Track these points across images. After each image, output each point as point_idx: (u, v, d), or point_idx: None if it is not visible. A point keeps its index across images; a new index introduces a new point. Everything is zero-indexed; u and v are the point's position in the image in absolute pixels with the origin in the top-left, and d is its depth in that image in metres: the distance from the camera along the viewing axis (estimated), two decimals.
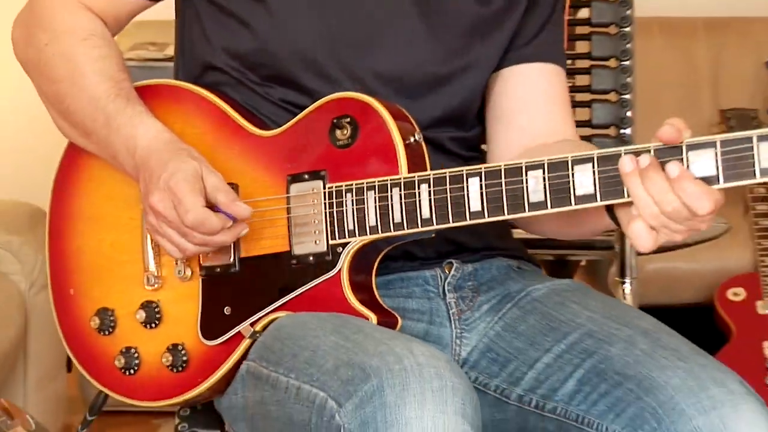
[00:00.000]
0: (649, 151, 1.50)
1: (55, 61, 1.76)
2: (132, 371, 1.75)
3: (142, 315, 1.74)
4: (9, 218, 3.25)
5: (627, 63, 2.54)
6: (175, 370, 1.72)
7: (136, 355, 1.75)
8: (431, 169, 1.64)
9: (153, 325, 1.75)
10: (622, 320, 1.73)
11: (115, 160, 1.73)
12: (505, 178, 1.59)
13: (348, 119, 1.69)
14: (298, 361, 1.58)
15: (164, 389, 1.74)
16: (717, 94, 4.29)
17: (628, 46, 2.50)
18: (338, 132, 1.69)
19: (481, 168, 1.59)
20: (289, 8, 1.73)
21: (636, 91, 2.48)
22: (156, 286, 1.76)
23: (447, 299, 1.79)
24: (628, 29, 2.50)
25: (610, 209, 1.62)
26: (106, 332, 1.77)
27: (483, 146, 1.89)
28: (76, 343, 1.80)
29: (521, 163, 1.57)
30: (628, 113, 2.52)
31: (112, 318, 1.77)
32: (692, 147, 1.50)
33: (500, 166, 1.58)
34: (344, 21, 1.75)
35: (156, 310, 1.75)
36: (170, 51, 3.45)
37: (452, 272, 1.80)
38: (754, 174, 1.48)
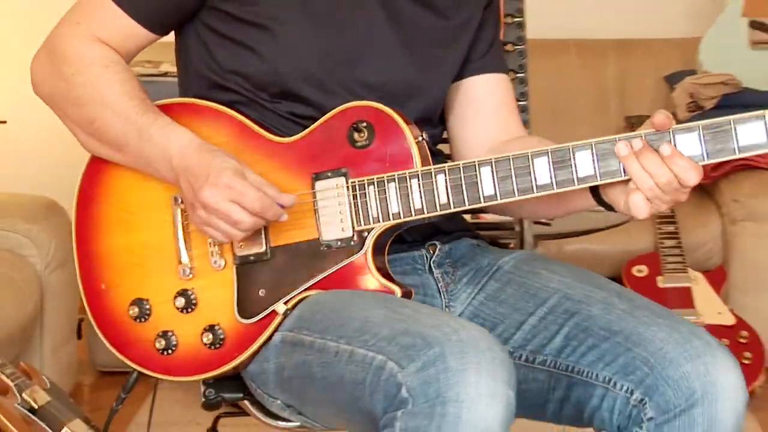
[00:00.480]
0: (641, 136, 1.60)
1: (84, 88, 1.76)
2: (170, 351, 1.76)
3: (180, 302, 1.75)
4: (28, 210, 3.32)
5: (523, 75, 2.64)
6: (213, 348, 1.74)
7: (173, 337, 1.76)
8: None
9: (189, 310, 1.76)
10: (593, 283, 1.77)
11: (150, 168, 1.75)
12: (513, 165, 1.65)
13: (365, 124, 1.72)
14: (347, 330, 1.59)
15: (202, 365, 1.75)
16: (623, 103, 4.39)
17: (524, 61, 2.59)
18: (356, 135, 1.73)
19: (491, 158, 1.65)
20: (291, 33, 1.76)
21: (532, 99, 2.56)
22: (190, 276, 1.76)
23: (434, 275, 1.84)
24: (522, 47, 2.58)
25: (595, 192, 1.70)
26: (143, 319, 1.77)
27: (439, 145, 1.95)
28: (112, 332, 1.80)
29: (527, 153, 1.64)
30: (526, 117, 2.63)
31: (147, 307, 1.77)
32: (678, 131, 1.60)
33: (508, 156, 1.64)
34: (336, 41, 1.79)
35: (192, 296, 1.76)
36: (164, 68, 3.49)
37: (436, 252, 1.85)
38: (734, 151, 1.58)
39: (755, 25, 4.25)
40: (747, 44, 4.25)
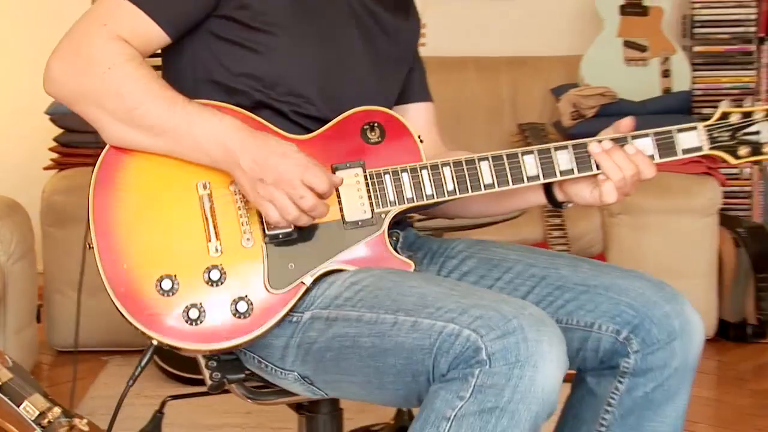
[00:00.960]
0: (607, 139, 1.78)
1: (125, 81, 1.70)
2: (199, 322, 1.70)
3: (210, 276, 1.72)
4: None
5: None
6: (242, 317, 1.71)
7: (202, 308, 1.71)
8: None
9: (219, 283, 1.72)
10: (548, 254, 1.86)
11: (196, 151, 1.71)
12: (507, 160, 1.77)
13: (376, 124, 1.79)
14: (404, 304, 1.63)
15: (230, 333, 1.72)
16: (515, 112, 4.43)
17: None
18: (369, 133, 1.79)
19: (488, 155, 1.77)
20: (294, 38, 1.79)
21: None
22: (219, 253, 1.73)
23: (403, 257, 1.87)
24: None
25: (546, 189, 1.86)
26: (171, 294, 1.70)
27: None
28: (137, 308, 1.71)
29: (517, 151, 1.78)
30: None
31: (177, 282, 1.70)
32: (636, 137, 1.78)
33: (502, 153, 1.78)
34: (327, 55, 1.84)
35: (222, 271, 1.72)
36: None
37: (399, 239, 1.91)
38: (676, 153, 1.78)
39: (629, 44, 4.35)
40: (622, 61, 4.33)
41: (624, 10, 4.39)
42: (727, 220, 4.16)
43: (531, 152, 1.77)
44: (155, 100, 1.70)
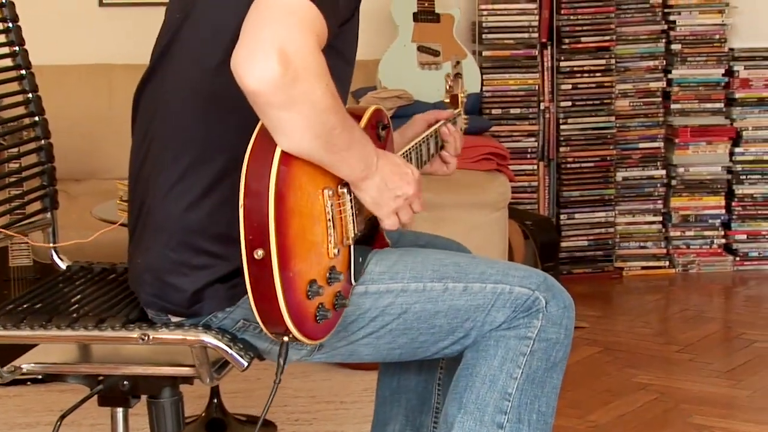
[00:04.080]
0: (443, 124, 2.20)
1: (334, 99, 1.69)
2: (322, 320, 1.76)
3: (330, 277, 1.77)
4: None
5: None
6: (338, 309, 1.81)
7: (326, 308, 1.77)
8: None
9: (333, 283, 1.79)
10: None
11: (360, 168, 1.78)
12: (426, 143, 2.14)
13: (384, 123, 1.96)
14: (447, 272, 1.89)
15: (330, 325, 1.80)
16: None
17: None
18: (382, 132, 1.95)
19: (422, 138, 2.12)
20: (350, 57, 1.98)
21: None
22: (337, 256, 1.80)
23: None
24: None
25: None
26: (312, 297, 1.74)
27: None
28: (297, 314, 1.71)
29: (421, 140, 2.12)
30: None
31: (319, 285, 1.74)
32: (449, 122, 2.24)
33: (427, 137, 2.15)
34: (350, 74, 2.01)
35: (337, 272, 1.79)
36: None
37: None
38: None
39: (422, 49, 4.48)
40: (417, 65, 4.47)
41: (417, 17, 4.52)
42: (516, 213, 4.34)
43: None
44: (345, 117, 1.73)
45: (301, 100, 1.64)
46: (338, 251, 1.80)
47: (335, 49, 1.80)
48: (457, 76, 2.37)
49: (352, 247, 1.85)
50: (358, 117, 1.89)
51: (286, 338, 1.74)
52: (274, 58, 1.60)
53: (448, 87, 2.38)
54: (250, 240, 1.68)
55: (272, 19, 1.64)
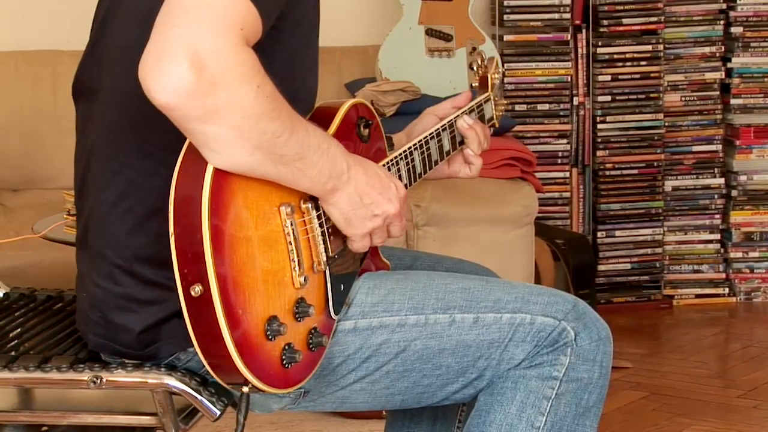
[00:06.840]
0: (459, 116, 2.17)
1: (273, 101, 1.67)
2: (291, 364, 1.76)
3: (297, 310, 1.77)
4: None
5: None
6: (313, 349, 1.81)
7: (295, 348, 1.76)
8: None
9: (302, 318, 1.78)
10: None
11: (323, 179, 1.76)
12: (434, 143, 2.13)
13: (365, 121, 1.96)
14: (453, 301, 1.88)
15: (305, 369, 1.79)
16: None
17: None
18: (363, 131, 1.95)
19: (421, 139, 2.09)
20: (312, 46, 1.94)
21: None
22: (305, 284, 1.79)
23: None
24: None
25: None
26: (274, 338, 1.73)
27: None
28: (250, 357, 1.70)
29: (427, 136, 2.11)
30: None
31: (280, 323, 1.73)
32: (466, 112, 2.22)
33: (426, 137, 2.10)
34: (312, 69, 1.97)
35: (306, 304, 1.78)
36: None
37: None
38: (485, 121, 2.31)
39: (431, 33, 4.49)
40: (424, 52, 4.48)
41: None
42: (544, 230, 4.36)
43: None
44: (297, 124, 1.70)
45: (225, 110, 1.62)
46: (305, 279, 1.79)
47: (282, 44, 1.80)
48: (491, 58, 2.36)
49: (327, 273, 1.85)
50: (330, 115, 1.89)
51: (245, 389, 1.73)
52: (185, 63, 1.58)
53: (477, 66, 2.33)
54: (185, 274, 1.68)
55: (183, 14, 1.61)
